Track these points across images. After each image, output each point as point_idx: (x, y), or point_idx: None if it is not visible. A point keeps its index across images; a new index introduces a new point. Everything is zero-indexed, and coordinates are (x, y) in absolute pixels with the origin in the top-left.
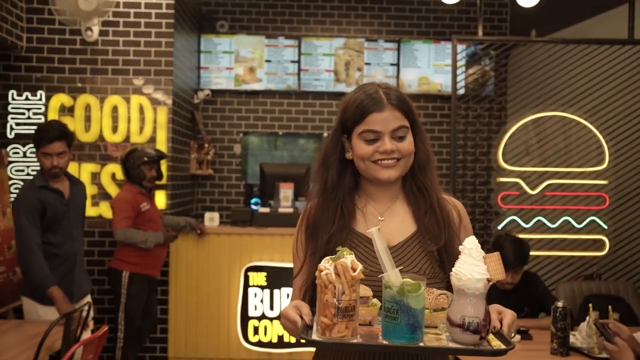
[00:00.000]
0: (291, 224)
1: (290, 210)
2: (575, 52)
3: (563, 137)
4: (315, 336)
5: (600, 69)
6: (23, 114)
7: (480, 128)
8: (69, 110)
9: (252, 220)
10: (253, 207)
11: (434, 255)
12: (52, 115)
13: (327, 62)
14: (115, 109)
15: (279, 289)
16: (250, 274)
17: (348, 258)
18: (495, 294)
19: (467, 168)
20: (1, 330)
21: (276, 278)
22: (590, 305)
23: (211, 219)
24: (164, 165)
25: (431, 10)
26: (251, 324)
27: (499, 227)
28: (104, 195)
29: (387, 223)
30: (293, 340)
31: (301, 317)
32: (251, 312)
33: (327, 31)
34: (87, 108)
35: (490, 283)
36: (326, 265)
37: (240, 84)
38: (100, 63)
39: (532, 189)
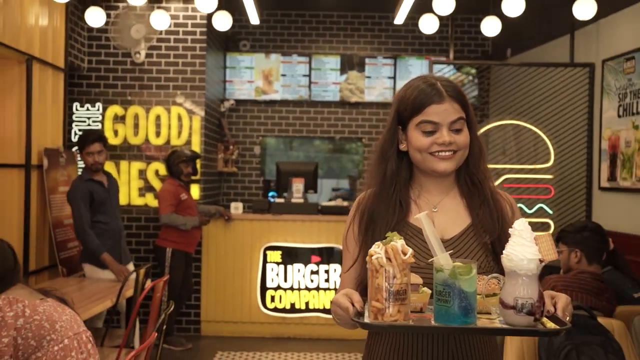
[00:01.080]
0: (302, 211)
1: (301, 200)
2: (531, 72)
3: (516, 141)
4: (367, 320)
5: (549, 86)
6: (84, 121)
7: None
8: (121, 119)
9: (269, 209)
10: (270, 199)
11: (489, 248)
12: (108, 123)
13: (334, 75)
14: (158, 118)
15: (292, 264)
16: (268, 252)
17: (398, 242)
18: None
19: None
20: (79, 286)
21: (289, 256)
22: None
23: (236, 207)
24: (198, 164)
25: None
26: (268, 293)
27: None
28: (149, 188)
29: (441, 215)
30: (303, 307)
31: (352, 305)
32: (269, 284)
33: (334, 49)
34: (136, 117)
35: (543, 264)
36: (377, 249)
37: (260, 95)
38: (146, 80)
39: (494, 181)
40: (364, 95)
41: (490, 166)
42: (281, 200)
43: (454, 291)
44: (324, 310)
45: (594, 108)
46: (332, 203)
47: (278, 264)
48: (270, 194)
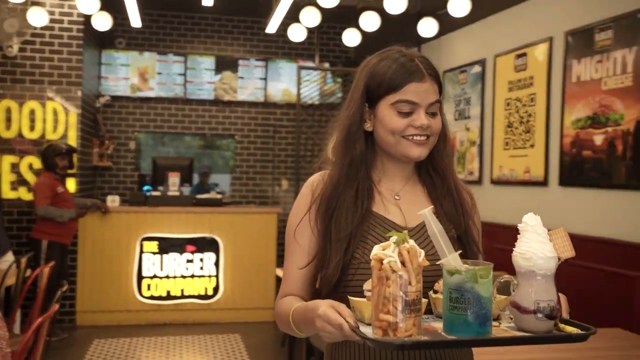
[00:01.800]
0: (178, 203)
1: (177, 193)
2: None
3: None
4: (376, 336)
5: None
6: None
7: (330, 130)
8: None
9: (146, 202)
10: (145, 192)
11: (454, 238)
12: None
13: (209, 75)
14: (32, 112)
15: (168, 254)
16: (145, 242)
17: (410, 242)
18: None
19: (312, 160)
20: None
21: (165, 246)
22: None
23: (113, 200)
24: (75, 158)
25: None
26: (145, 282)
27: None
28: (22, 181)
29: (403, 203)
30: (179, 293)
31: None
32: (145, 273)
33: (209, 50)
34: (8, 110)
35: (560, 262)
36: (387, 252)
37: (135, 92)
38: (19, 74)
39: None
40: (237, 95)
41: None
42: (158, 193)
43: (472, 297)
44: (199, 297)
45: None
46: (207, 195)
47: (154, 253)
48: (146, 187)
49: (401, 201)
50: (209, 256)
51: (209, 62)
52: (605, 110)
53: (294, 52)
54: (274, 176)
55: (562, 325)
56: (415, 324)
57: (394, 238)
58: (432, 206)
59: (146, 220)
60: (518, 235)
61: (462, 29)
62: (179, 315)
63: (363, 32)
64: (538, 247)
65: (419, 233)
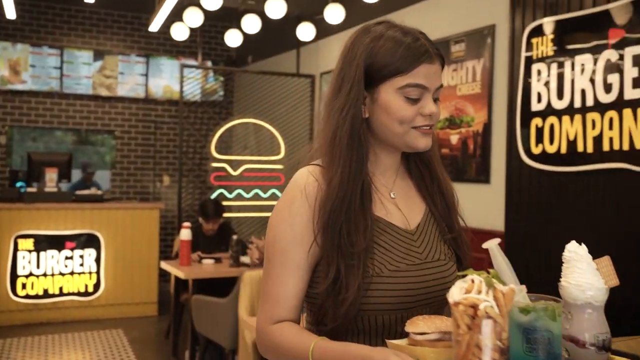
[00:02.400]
0: (56, 199)
1: (55, 189)
2: (267, 78)
3: (256, 136)
4: None
5: (281, 90)
6: None
7: (211, 127)
8: None
9: (20, 198)
10: (19, 189)
11: (446, 237)
12: None
13: (87, 69)
14: None
15: (45, 251)
16: (20, 240)
17: (500, 285)
18: (202, 238)
19: (194, 157)
20: None
21: (42, 243)
22: None
23: None
24: None
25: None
26: (19, 281)
27: (212, 197)
28: None
29: (400, 202)
30: (57, 291)
31: None
32: (20, 272)
33: (87, 44)
34: None
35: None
36: (482, 297)
37: (5, 84)
38: None
39: (235, 170)
40: (117, 90)
41: (233, 158)
42: (33, 189)
43: (548, 336)
44: (79, 294)
45: (314, 111)
46: (87, 191)
47: (30, 251)
48: (19, 184)
49: (398, 200)
50: (90, 252)
51: (87, 56)
52: (460, 113)
53: (176, 49)
54: (155, 172)
55: (612, 356)
56: None
57: (477, 278)
58: (499, 239)
59: (21, 218)
60: (564, 265)
61: (339, 34)
62: (57, 314)
63: (245, 34)
64: (593, 279)
65: (422, 233)
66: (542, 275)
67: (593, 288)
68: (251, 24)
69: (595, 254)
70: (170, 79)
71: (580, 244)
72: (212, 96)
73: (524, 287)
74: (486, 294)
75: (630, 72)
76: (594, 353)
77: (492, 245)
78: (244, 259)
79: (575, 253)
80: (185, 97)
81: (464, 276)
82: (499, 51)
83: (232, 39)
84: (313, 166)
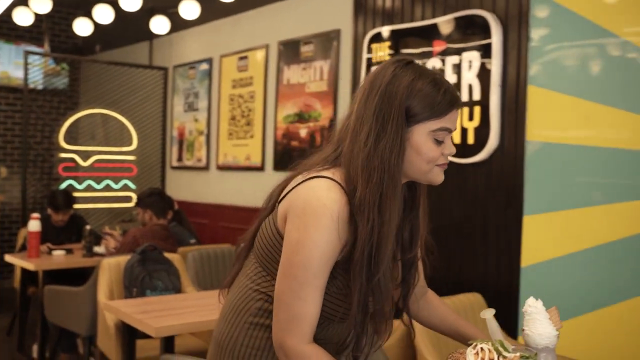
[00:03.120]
0: None
1: None
2: (118, 68)
3: (104, 127)
4: None
5: (133, 81)
6: None
7: (55, 117)
8: None
9: None
10: None
11: (397, 258)
12: None
13: None
14: None
15: None
16: None
17: (511, 354)
18: (51, 229)
19: (38, 148)
20: None
21: None
22: None
23: None
24: None
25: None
26: None
27: (60, 188)
28: None
29: None
30: None
31: None
32: None
33: None
34: None
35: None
36: None
37: None
38: None
39: (85, 161)
40: None
41: (82, 148)
42: None
43: None
44: None
45: (167, 103)
46: None
47: None
48: None
49: None
50: None
51: None
52: (308, 108)
53: (15, 33)
54: None
55: None
56: None
57: (486, 346)
58: (494, 310)
59: None
60: (527, 317)
61: (193, 29)
62: None
63: (96, 23)
64: (549, 328)
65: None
66: None
67: (550, 335)
68: (104, 14)
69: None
70: (7, 65)
71: (537, 299)
72: (57, 85)
73: (514, 352)
74: None
75: (450, 77)
76: None
77: (488, 316)
78: (98, 249)
79: (535, 307)
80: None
81: (473, 344)
82: (344, 53)
83: (82, 27)
84: (335, 185)
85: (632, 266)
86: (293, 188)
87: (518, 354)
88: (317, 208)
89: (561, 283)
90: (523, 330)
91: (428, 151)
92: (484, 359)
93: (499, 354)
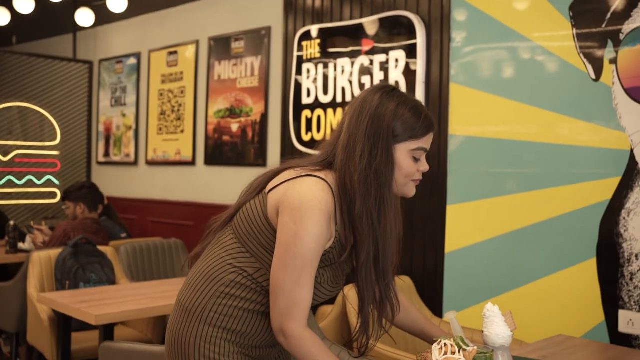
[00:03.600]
0: None
1: None
2: (40, 61)
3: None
4: None
5: (56, 75)
6: None
7: None
8: None
9: None
10: None
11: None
12: None
13: None
14: None
15: None
16: None
17: (470, 347)
18: None
19: None
20: None
21: None
22: None
23: None
24: None
25: None
26: None
27: None
28: None
29: None
30: None
31: None
32: None
33: None
34: None
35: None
36: (456, 357)
37: None
38: None
39: (5, 156)
40: None
41: (2, 142)
42: None
43: None
44: None
45: (92, 98)
46: None
47: None
48: None
49: None
50: None
51: None
52: (240, 104)
53: None
54: None
55: None
56: None
57: (448, 342)
58: (455, 311)
59: None
60: (485, 320)
61: (119, 23)
62: None
63: (15, 13)
64: (505, 329)
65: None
66: None
67: (506, 336)
68: (24, 3)
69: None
70: None
71: (494, 305)
72: None
73: (472, 346)
74: (459, 353)
75: (378, 75)
76: None
77: (451, 318)
78: (22, 246)
79: (492, 311)
80: None
81: (437, 341)
82: (275, 50)
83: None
84: (328, 187)
85: (543, 248)
86: (285, 182)
87: (475, 347)
88: (314, 204)
89: (482, 266)
90: (482, 332)
91: (407, 167)
92: (447, 352)
93: (460, 347)
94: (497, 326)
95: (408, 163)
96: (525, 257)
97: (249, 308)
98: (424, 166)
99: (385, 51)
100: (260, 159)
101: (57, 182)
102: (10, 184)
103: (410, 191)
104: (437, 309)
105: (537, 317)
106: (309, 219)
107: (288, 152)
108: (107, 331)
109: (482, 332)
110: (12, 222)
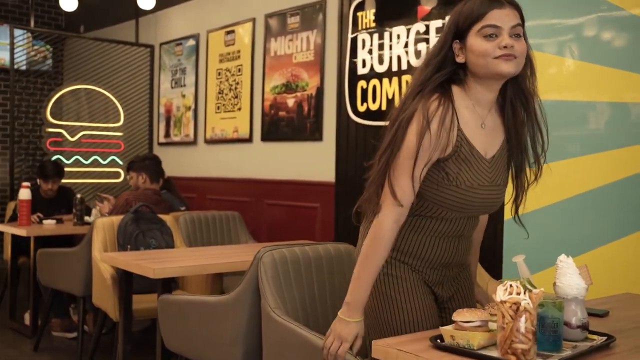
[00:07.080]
0: None
1: None
2: (104, 46)
3: (89, 105)
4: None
5: (120, 59)
6: None
7: (40, 95)
8: None
9: None
10: None
11: (510, 164)
12: None
13: None
14: None
15: None
16: None
17: (535, 289)
18: (40, 201)
19: (26, 125)
20: None
21: None
22: None
23: None
24: None
25: None
26: None
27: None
28: None
29: (487, 131)
30: None
31: None
32: None
33: None
34: None
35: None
36: (522, 297)
37: None
38: None
39: (72, 137)
40: None
41: (70, 123)
42: None
43: (554, 322)
44: None
45: (154, 80)
46: None
47: None
48: None
49: (486, 130)
50: None
51: None
52: (296, 78)
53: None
54: None
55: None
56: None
57: (514, 283)
58: (524, 255)
59: None
60: (558, 270)
61: (179, 6)
62: None
63: (83, 1)
64: (578, 280)
65: (494, 164)
66: None
67: (579, 287)
68: None
69: None
70: None
71: (568, 256)
72: (41, 64)
73: (540, 289)
74: (524, 294)
75: (434, 40)
76: (579, 332)
77: (520, 260)
78: (88, 219)
79: (565, 262)
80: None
81: (501, 282)
82: (330, 23)
83: (68, 3)
84: (437, 101)
85: (610, 213)
86: None
87: (542, 290)
88: (424, 112)
89: (543, 233)
90: (554, 283)
91: (479, 46)
92: (511, 293)
93: (525, 289)
94: (570, 277)
95: (479, 43)
96: (590, 222)
97: None
98: (503, 41)
99: (442, 16)
100: (316, 133)
101: (120, 162)
102: (77, 163)
103: (498, 67)
104: (496, 276)
105: (604, 279)
106: (419, 122)
107: (343, 123)
108: (165, 286)
109: (554, 283)
110: (78, 195)
